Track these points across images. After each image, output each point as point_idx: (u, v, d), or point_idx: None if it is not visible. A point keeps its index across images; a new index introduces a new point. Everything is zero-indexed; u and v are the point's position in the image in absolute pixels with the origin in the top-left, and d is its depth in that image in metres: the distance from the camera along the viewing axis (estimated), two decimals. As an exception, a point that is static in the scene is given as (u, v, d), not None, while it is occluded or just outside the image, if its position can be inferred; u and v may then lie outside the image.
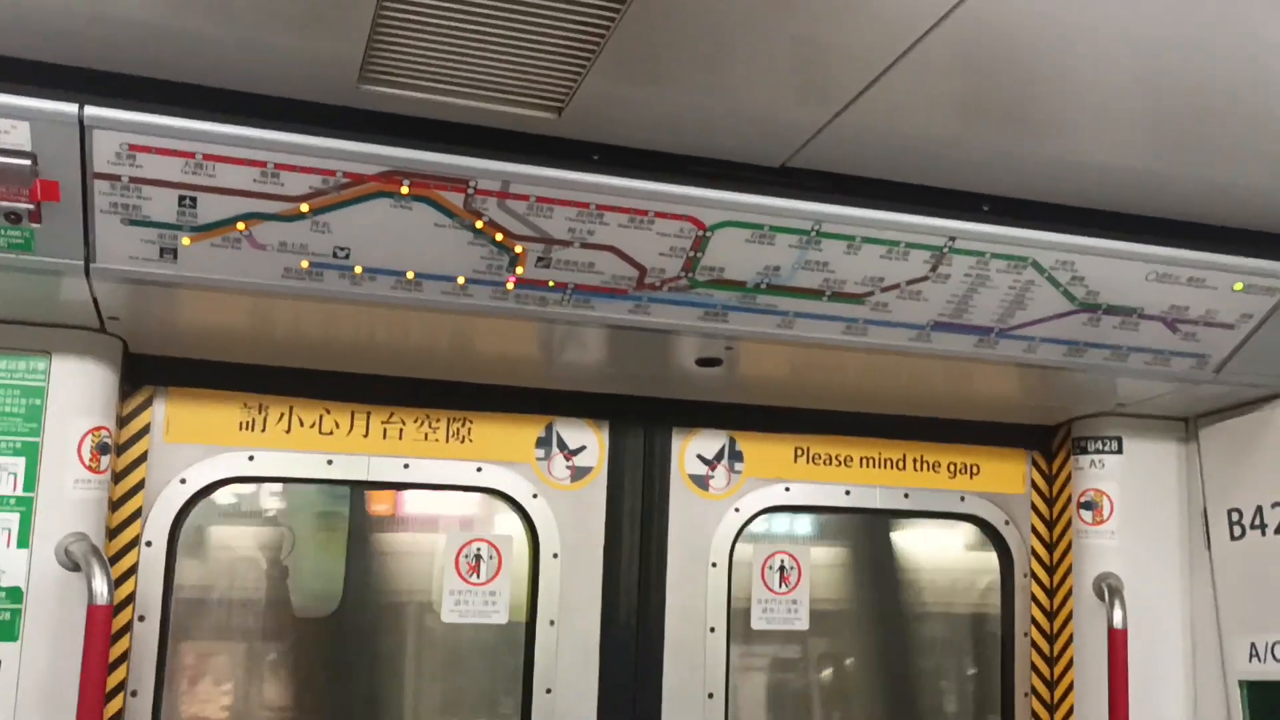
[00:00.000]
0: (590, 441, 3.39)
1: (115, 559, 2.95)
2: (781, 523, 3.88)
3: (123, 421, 3.02)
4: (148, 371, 3.05)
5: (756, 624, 3.54)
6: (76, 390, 2.79)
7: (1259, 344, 3.04)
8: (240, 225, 2.34)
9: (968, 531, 3.95)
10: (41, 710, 2.65)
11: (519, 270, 2.53)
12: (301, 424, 3.18)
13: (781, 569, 3.56)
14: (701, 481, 3.48)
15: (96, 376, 2.82)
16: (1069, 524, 3.68)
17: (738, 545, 3.49)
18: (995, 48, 1.99)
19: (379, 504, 3.65)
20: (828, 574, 3.97)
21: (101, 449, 2.80)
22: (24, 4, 1.94)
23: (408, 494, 3.63)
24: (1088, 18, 1.89)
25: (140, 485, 3.02)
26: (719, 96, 2.21)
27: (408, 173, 2.32)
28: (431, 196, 2.37)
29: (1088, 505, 3.59)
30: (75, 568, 2.67)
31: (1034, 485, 3.79)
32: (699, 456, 3.49)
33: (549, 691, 3.27)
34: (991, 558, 3.80)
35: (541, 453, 3.36)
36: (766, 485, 3.54)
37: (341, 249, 2.43)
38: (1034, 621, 3.72)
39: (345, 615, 3.54)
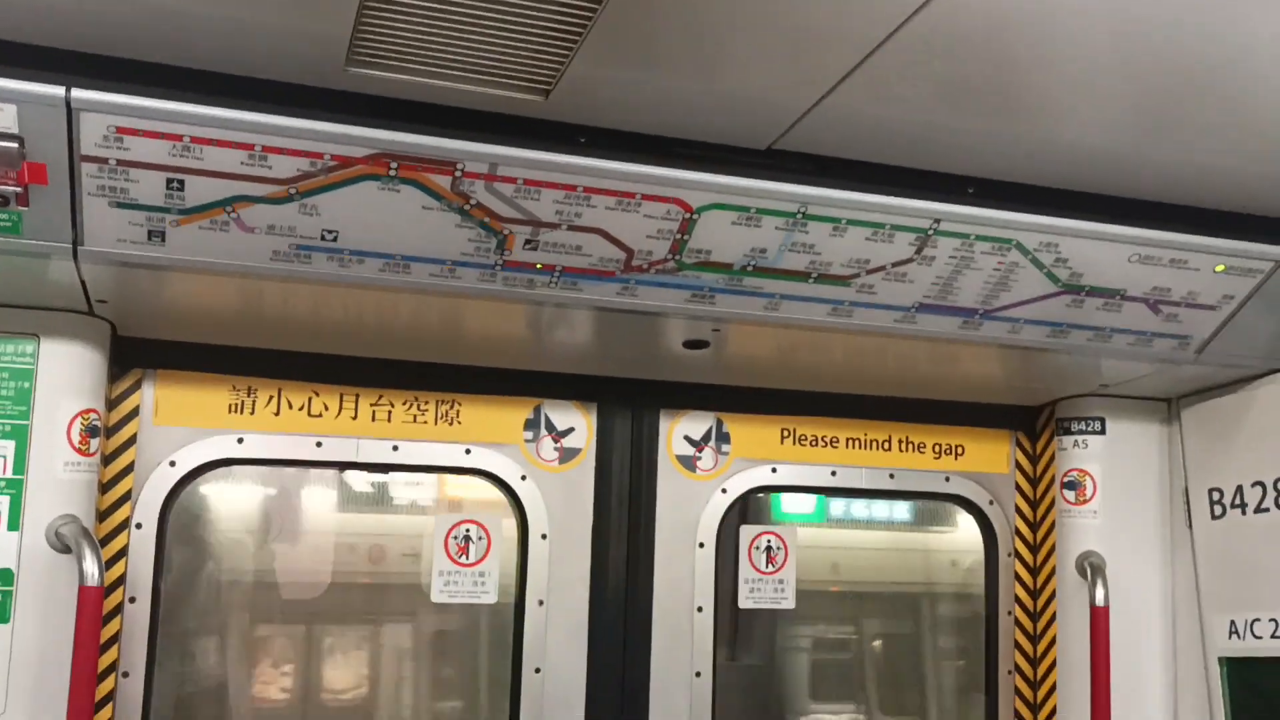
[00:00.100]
0: (578, 423, 3.41)
1: (105, 541, 2.97)
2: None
3: (112, 404, 3.02)
4: (136, 354, 3.05)
5: (744, 603, 3.58)
6: (65, 373, 2.79)
7: (1240, 325, 3.08)
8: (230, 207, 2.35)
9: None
10: (33, 691, 2.67)
11: (507, 252, 2.54)
12: (290, 406, 3.19)
13: (768, 549, 3.59)
14: (689, 463, 3.51)
15: (85, 359, 2.83)
16: (1052, 504, 3.72)
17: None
18: (980, 30, 2.00)
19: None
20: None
21: (91, 431, 2.81)
22: (10, -14, 1.94)
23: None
24: (1072, 0, 1.90)
25: (130, 468, 3.03)
26: (706, 79, 2.22)
27: (395, 155, 2.32)
28: (419, 179, 2.37)
29: (1071, 485, 3.63)
30: (66, 550, 2.68)
31: (1018, 465, 3.83)
32: (686, 438, 3.51)
33: (538, 671, 3.30)
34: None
35: (530, 434, 3.37)
36: (753, 466, 3.57)
37: (329, 231, 2.44)
38: (1018, 600, 3.77)
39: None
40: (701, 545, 3.47)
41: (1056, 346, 3.04)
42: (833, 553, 4.25)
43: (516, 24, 2.01)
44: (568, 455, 3.40)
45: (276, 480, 3.60)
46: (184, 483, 3.11)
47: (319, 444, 3.20)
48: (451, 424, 3.31)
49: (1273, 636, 3.19)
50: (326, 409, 3.22)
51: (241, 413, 3.15)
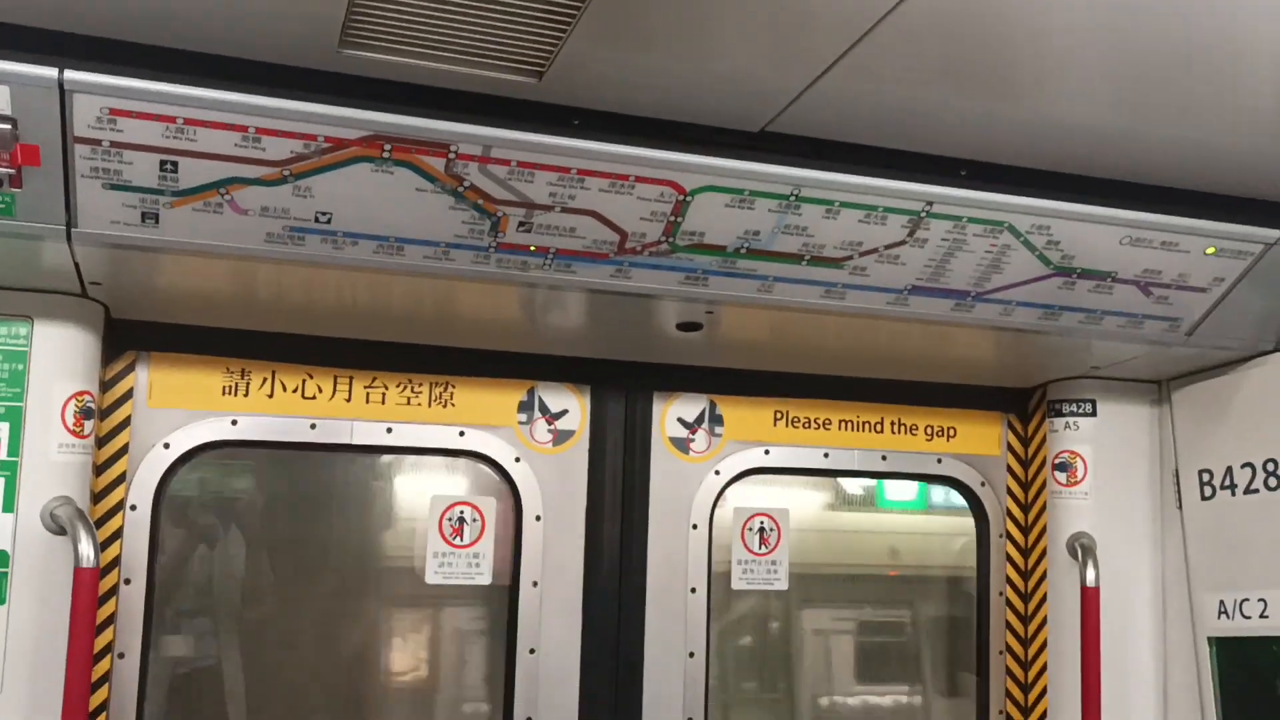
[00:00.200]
0: (572, 405, 3.42)
1: (100, 523, 2.97)
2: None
3: (105, 386, 3.03)
4: (130, 336, 3.06)
5: (737, 584, 3.60)
6: (59, 355, 2.79)
7: (1230, 307, 3.09)
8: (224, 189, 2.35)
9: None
10: (29, 672, 2.68)
11: (500, 234, 2.55)
12: (284, 389, 3.20)
13: (761, 530, 3.61)
14: (682, 445, 3.52)
15: (79, 341, 2.83)
16: (1044, 485, 3.74)
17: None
18: (972, 11, 2.01)
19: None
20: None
21: (85, 413, 2.81)
22: (2, -33, 1.94)
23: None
24: (1063, -17, 1.91)
25: (124, 450, 3.04)
26: (699, 61, 2.22)
27: (389, 137, 2.32)
28: (413, 161, 2.37)
29: (1062, 466, 3.65)
30: (61, 531, 2.68)
31: (1009, 447, 3.85)
32: (680, 420, 3.53)
33: (532, 651, 3.32)
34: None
35: (524, 417, 3.38)
36: (746, 448, 3.58)
37: (323, 213, 2.44)
38: (1009, 581, 3.79)
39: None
40: (695, 526, 3.49)
41: (1048, 328, 3.06)
42: (891, 538, 4.32)
43: (510, 6, 2.01)
44: (562, 437, 3.41)
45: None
46: (178, 465, 3.12)
47: (313, 426, 3.21)
48: (446, 406, 3.32)
49: (1261, 616, 3.22)
50: (320, 391, 3.22)
51: (235, 395, 3.16)
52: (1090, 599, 3.35)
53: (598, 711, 3.36)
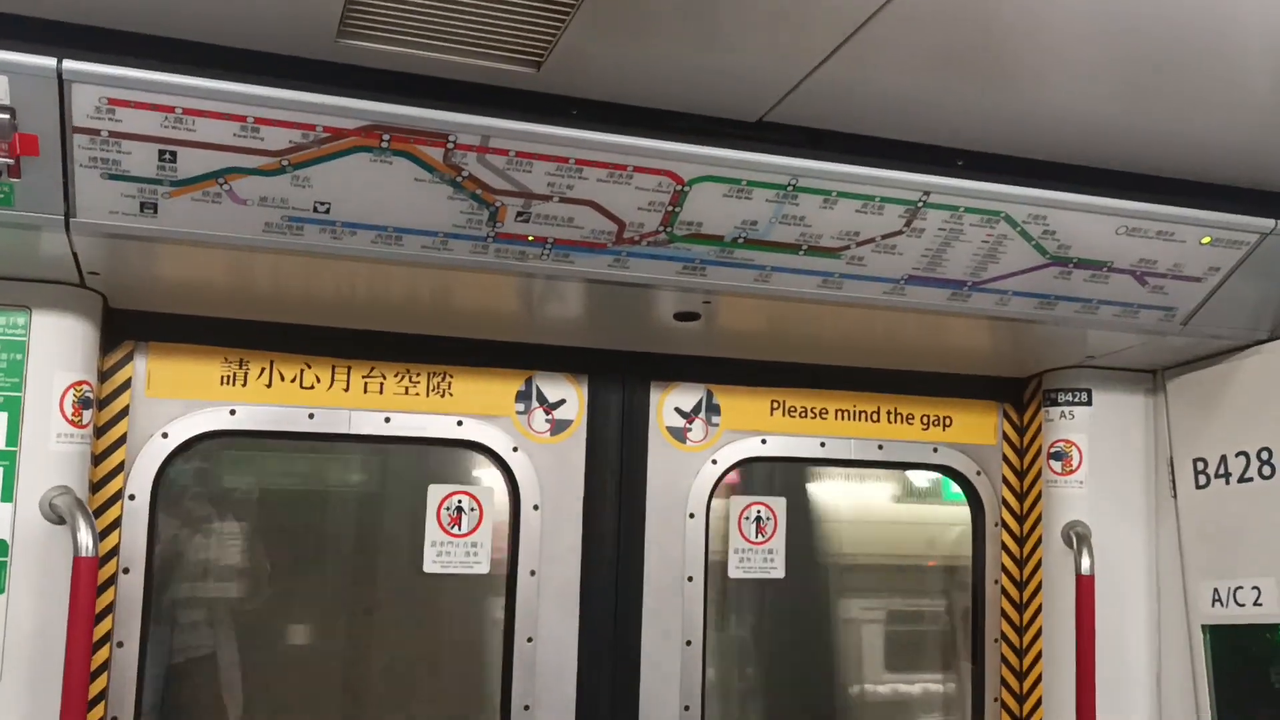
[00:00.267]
0: (570, 395, 3.43)
1: (99, 512, 2.98)
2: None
3: (104, 376, 3.03)
4: (128, 326, 3.06)
5: (734, 573, 3.61)
6: (57, 345, 2.79)
7: (1225, 297, 3.10)
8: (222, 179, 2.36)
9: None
10: (29, 661, 2.69)
11: (499, 224, 2.55)
12: (282, 378, 3.20)
13: (758, 519, 3.62)
14: (679, 434, 3.53)
15: (77, 331, 2.83)
16: (1039, 474, 3.76)
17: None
18: (968, 2, 2.01)
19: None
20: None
21: (83, 403, 2.82)
22: (1, -44, 1.94)
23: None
24: (1060, -27, 1.91)
25: (122, 440, 3.04)
26: (697, 51, 2.23)
27: (387, 127, 2.32)
28: (411, 151, 2.38)
29: (1057, 455, 3.66)
30: (60, 521, 2.69)
31: (1005, 436, 3.86)
32: (677, 409, 3.54)
33: (530, 640, 3.33)
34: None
35: (521, 406, 3.39)
36: (743, 438, 3.60)
37: (322, 203, 2.44)
38: (1004, 569, 3.81)
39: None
40: (692, 516, 3.50)
41: (1044, 318, 3.07)
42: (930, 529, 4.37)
43: (508, -5, 2.01)
44: (559, 427, 3.42)
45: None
46: (176, 454, 3.12)
47: (311, 416, 3.22)
48: (443, 396, 3.33)
49: (1255, 604, 3.24)
50: (319, 381, 3.23)
51: (234, 385, 3.16)
52: (1085, 587, 3.37)
53: (595, 700, 3.37)
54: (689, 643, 3.46)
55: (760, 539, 3.62)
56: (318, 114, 2.28)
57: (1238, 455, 3.30)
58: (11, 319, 2.76)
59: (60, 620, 2.62)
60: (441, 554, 3.32)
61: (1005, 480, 3.84)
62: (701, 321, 3.12)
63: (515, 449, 3.37)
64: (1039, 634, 3.71)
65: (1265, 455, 3.21)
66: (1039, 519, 3.74)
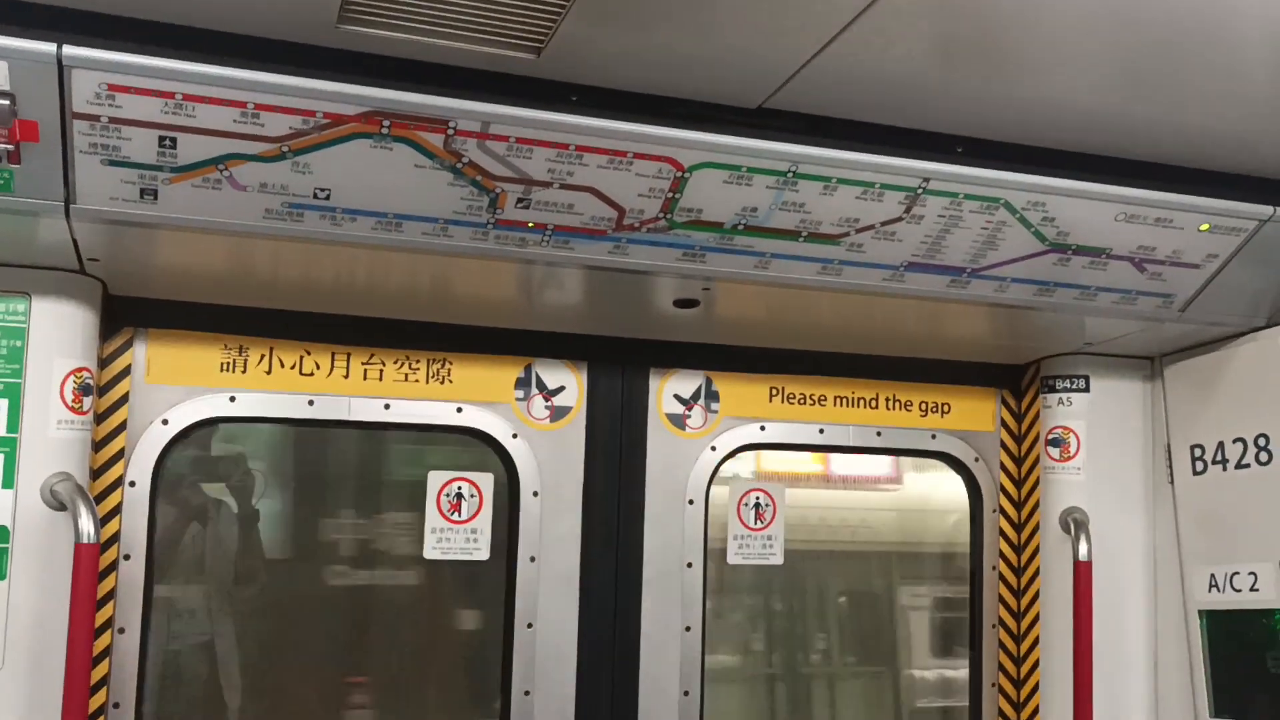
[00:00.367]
0: (569, 382, 3.43)
1: (99, 499, 2.98)
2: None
3: (103, 363, 3.03)
4: (128, 313, 3.06)
5: (733, 559, 3.63)
6: (57, 331, 2.79)
7: (1223, 284, 3.11)
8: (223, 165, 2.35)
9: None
10: (31, 647, 2.69)
11: (499, 211, 2.55)
12: (282, 365, 3.20)
13: (757, 506, 3.64)
14: (678, 421, 3.54)
15: (77, 318, 2.83)
16: (1037, 460, 3.77)
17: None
18: (970, -11, 2.02)
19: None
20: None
21: (84, 390, 2.82)
22: (0, -59, 1.93)
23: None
24: (1061, -40, 1.91)
25: (122, 426, 3.04)
26: (697, 38, 2.23)
27: (388, 113, 2.32)
28: (411, 137, 2.38)
29: (1055, 442, 3.67)
30: (61, 507, 2.69)
31: (1003, 423, 3.87)
32: (676, 396, 3.54)
33: (530, 626, 3.34)
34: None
35: (521, 393, 3.39)
36: (742, 424, 3.60)
37: (322, 190, 2.44)
38: (1002, 555, 3.82)
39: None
40: (691, 502, 3.51)
41: (1043, 305, 3.07)
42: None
43: (509, -19, 2.01)
44: (559, 414, 3.42)
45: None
46: (176, 441, 3.13)
47: (311, 402, 3.22)
48: (443, 383, 3.33)
49: (1251, 589, 3.25)
50: (318, 368, 3.23)
51: (233, 371, 3.16)
52: (1083, 573, 3.39)
53: (595, 685, 3.39)
54: (688, 628, 3.47)
55: (759, 525, 3.63)
56: (318, 100, 2.28)
57: (1235, 441, 3.31)
58: (11, 305, 2.75)
59: (61, 607, 2.63)
60: (441, 540, 3.33)
61: (1003, 467, 3.86)
62: (701, 308, 3.12)
63: (515, 436, 3.38)
64: (1036, 620, 3.72)
65: (1262, 441, 3.23)
66: (1037, 505, 3.76)
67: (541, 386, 3.41)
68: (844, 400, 3.71)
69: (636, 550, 3.46)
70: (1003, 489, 3.84)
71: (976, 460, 3.83)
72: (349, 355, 3.26)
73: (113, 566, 3.00)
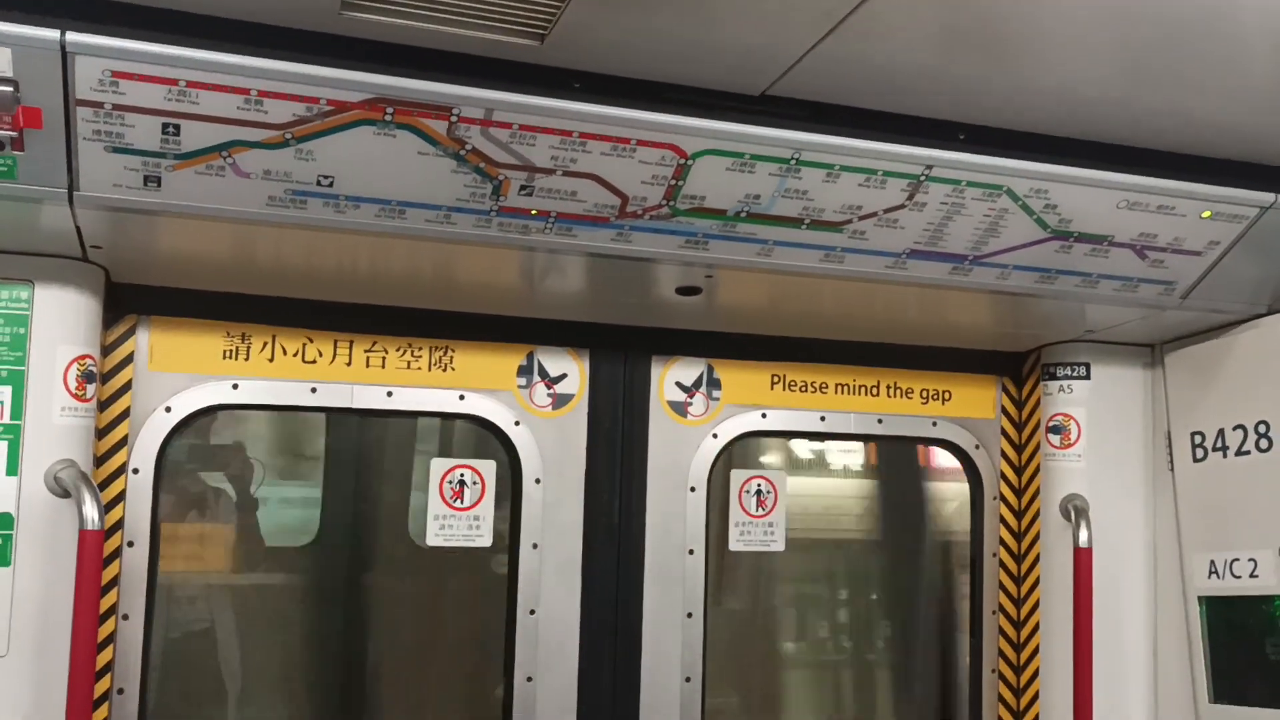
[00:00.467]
0: (571, 369, 3.44)
1: (103, 486, 2.99)
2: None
3: (106, 350, 3.03)
4: (130, 300, 3.06)
5: (734, 546, 3.64)
6: (60, 319, 2.80)
7: (1224, 271, 3.12)
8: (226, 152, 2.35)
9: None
10: (35, 634, 2.70)
11: (502, 198, 2.55)
12: (285, 352, 3.21)
13: (758, 493, 3.64)
14: (680, 408, 3.54)
15: (80, 305, 2.83)
16: (1037, 448, 3.78)
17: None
18: (974, -24, 2.02)
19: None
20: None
21: (87, 377, 2.82)
22: (4, -72, 1.93)
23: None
24: (1066, -54, 1.91)
25: (125, 413, 3.05)
26: (701, 25, 2.23)
27: (391, 100, 2.32)
28: (415, 124, 2.38)
29: (1056, 429, 3.68)
30: (65, 494, 2.70)
31: (1004, 410, 3.88)
32: (678, 384, 3.55)
33: (532, 613, 3.35)
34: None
35: (523, 381, 3.40)
36: (744, 412, 3.61)
37: (325, 177, 2.44)
38: (1002, 542, 3.83)
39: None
40: (693, 489, 3.52)
41: (1044, 292, 3.08)
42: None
43: (514, -32, 2.00)
44: (561, 401, 3.43)
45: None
46: (179, 428, 3.13)
47: (313, 390, 3.22)
48: (445, 370, 3.34)
49: (1251, 575, 3.27)
50: (321, 355, 3.23)
51: (236, 359, 3.17)
52: (1083, 560, 3.40)
53: (597, 671, 3.40)
54: (690, 615, 3.48)
55: (760, 512, 3.64)
56: (321, 87, 2.27)
57: (1235, 428, 3.32)
58: (14, 293, 2.76)
59: (65, 593, 2.63)
60: (444, 527, 3.34)
61: (1004, 454, 3.86)
62: (703, 296, 3.12)
63: (517, 423, 3.38)
64: (1036, 606, 3.74)
65: (1262, 428, 3.23)
66: (1037, 492, 3.77)
67: (544, 374, 3.41)
68: (845, 388, 3.71)
69: (638, 537, 3.47)
70: (1003, 476, 3.85)
71: (977, 447, 3.84)
72: (351, 343, 3.26)
73: (116, 553, 3.00)
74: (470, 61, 2.34)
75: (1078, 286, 3.08)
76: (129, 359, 3.07)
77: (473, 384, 3.36)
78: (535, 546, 3.37)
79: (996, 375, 3.88)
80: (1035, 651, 3.73)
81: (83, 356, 2.82)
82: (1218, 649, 3.40)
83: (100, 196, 2.38)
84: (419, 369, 3.31)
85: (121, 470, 3.03)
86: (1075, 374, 3.68)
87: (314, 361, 3.23)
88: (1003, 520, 3.84)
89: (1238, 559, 3.31)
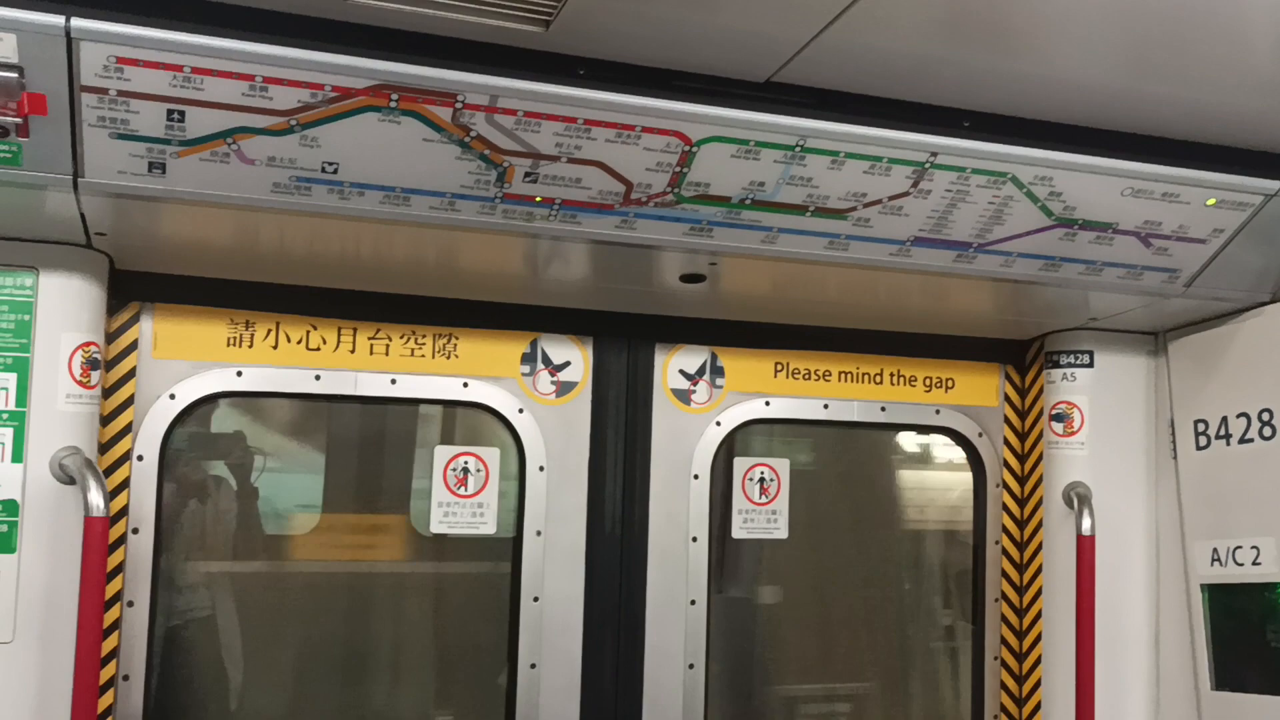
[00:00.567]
0: (575, 357, 3.44)
1: (108, 473, 2.99)
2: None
3: (111, 337, 3.03)
4: (134, 287, 3.06)
5: (737, 533, 3.64)
6: (65, 306, 2.80)
7: (1228, 259, 3.11)
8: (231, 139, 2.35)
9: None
10: (41, 620, 2.71)
11: (507, 185, 2.55)
12: (289, 340, 3.21)
13: (761, 480, 3.65)
14: (684, 396, 3.55)
15: (84, 292, 2.83)
16: (1040, 435, 3.78)
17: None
18: (981, -38, 2.01)
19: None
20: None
21: (91, 364, 2.82)
22: (9, -87, 1.92)
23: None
24: (1073, -68, 1.91)
25: (130, 400, 3.05)
26: (706, 11, 2.22)
27: (396, 86, 2.32)
28: (420, 110, 2.37)
29: (1059, 417, 3.69)
30: (70, 481, 2.71)
31: (1007, 398, 3.88)
32: (681, 371, 3.55)
33: (536, 600, 3.36)
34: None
35: (527, 368, 3.40)
36: (747, 399, 3.61)
37: (330, 163, 2.44)
38: (1005, 530, 3.84)
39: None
40: (696, 477, 3.52)
41: (1048, 280, 3.08)
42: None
43: (519, -47, 2.00)
44: (564, 389, 3.43)
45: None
46: (184, 415, 3.14)
47: (317, 377, 3.23)
48: (449, 358, 3.34)
49: (1254, 563, 3.27)
50: (325, 342, 3.24)
51: (240, 346, 3.17)
52: (1085, 547, 3.40)
53: (600, 658, 3.41)
54: (693, 602, 3.49)
55: (764, 500, 3.65)
56: (326, 73, 2.27)
57: (1239, 416, 3.33)
58: (19, 280, 2.76)
59: (70, 580, 2.64)
60: (448, 514, 3.34)
61: (1007, 442, 3.87)
62: (707, 283, 3.12)
63: (521, 410, 3.38)
64: (1039, 594, 3.74)
65: (1266, 416, 3.24)
66: (1040, 480, 3.77)
67: (547, 361, 3.42)
68: (848, 375, 3.71)
69: (642, 525, 3.47)
70: (1006, 464, 3.86)
71: (980, 435, 3.84)
72: (355, 330, 3.26)
73: (121, 540, 3.01)
74: (475, 48, 2.33)
75: (1081, 274, 3.08)
76: (133, 346, 3.07)
77: (476, 371, 3.36)
78: (539, 534, 3.37)
79: (1000, 363, 3.88)
80: (1038, 639, 3.74)
81: (87, 343, 2.82)
82: (1220, 636, 3.41)
83: (105, 183, 2.38)
84: (423, 356, 3.32)
85: (126, 457, 3.03)
86: (1079, 362, 3.68)
87: (318, 349, 3.23)
88: (1005, 508, 3.84)
89: (1240, 547, 3.31)
